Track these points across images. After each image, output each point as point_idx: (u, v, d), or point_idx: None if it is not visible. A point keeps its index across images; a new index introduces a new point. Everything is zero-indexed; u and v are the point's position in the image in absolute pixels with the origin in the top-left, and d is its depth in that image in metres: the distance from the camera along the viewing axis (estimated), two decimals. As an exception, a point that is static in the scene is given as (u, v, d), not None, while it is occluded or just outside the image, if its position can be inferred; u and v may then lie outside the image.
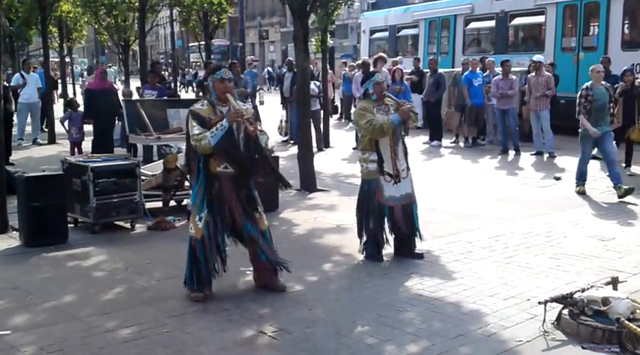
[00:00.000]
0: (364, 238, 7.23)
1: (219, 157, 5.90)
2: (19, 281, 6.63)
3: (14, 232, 8.37)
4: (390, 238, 7.31)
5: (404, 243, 7.29)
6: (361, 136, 7.21)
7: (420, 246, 7.40)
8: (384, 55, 16.11)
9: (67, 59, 32.55)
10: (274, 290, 6.21)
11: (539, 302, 5.33)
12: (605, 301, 5.09)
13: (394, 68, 16.17)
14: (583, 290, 5.34)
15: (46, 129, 18.10)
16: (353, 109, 19.98)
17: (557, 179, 11.86)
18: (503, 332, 5.20)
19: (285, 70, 19.20)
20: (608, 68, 13.67)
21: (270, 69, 49.33)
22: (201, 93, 15.64)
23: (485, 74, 16.33)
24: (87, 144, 13.97)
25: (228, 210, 5.97)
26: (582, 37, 17.49)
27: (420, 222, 7.34)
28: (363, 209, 7.20)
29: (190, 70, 49.42)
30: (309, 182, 10.87)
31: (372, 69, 14.50)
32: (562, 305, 5.28)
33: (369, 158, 7.06)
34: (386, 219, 7.15)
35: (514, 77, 15.15)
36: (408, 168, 7.23)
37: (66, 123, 14.49)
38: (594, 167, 12.86)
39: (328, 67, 18.21)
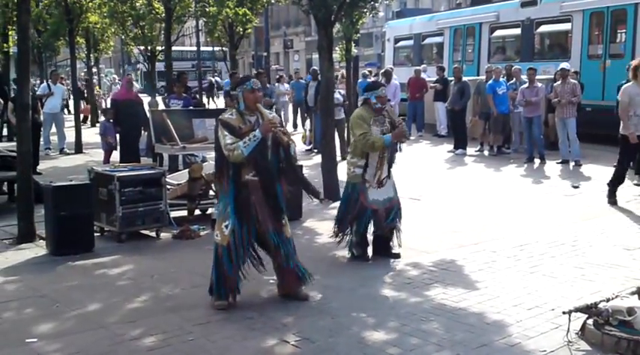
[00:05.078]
0: (347, 238, 7.60)
1: (248, 165, 5.96)
2: (46, 289, 6.72)
3: (41, 241, 8.47)
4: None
5: (383, 243, 7.62)
6: (354, 141, 7.46)
7: (442, 255, 7.39)
8: None
9: (94, 69, 32.86)
10: (297, 298, 6.23)
11: (564, 312, 5.29)
12: (631, 311, 5.05)
13: None
14: (608, 300, 5.30)
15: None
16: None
17: (576, 187, 11.78)
18: (527, 343, 5.18)
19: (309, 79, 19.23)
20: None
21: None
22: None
23: (511, 82, 16.26)
24: (114, 154, 14.16)
25: (255, 217, 6.02)
26: (609, 44, 17.34)
27: (402, 224, 7.66)
28: (345, 210, 7.54)
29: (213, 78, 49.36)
30: (332, 191, 10.87)
31: None
32: (586, 315, 5.23)
33: (357, 163, 7.38)
34: (367, 221, 7.47)
35: (540, 84, 15.06)
36: (388, 177, 7.51)
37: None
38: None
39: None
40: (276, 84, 23.73)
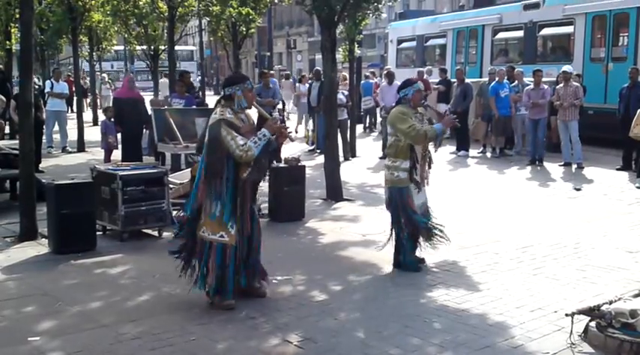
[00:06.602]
0: (401, 248, 7.18)
1: (245, 165, 5.96)
2: (48, 287, 6.71)
3: (43, 239, 8.46)
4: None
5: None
6: (394, 141, 7.07)
7: (445, 256, 7.45)
8: None
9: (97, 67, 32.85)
10: (257, 295, 6.28)
11: (567, 314, 5.28)
12: (633, 314, 5.04)
13: None
14: (610, 303, 5.30)
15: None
16: (379, 119, 19.96)
17: (578, 189, 11.77)
18: (530, 344, 5.17)
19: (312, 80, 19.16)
20: (636, 78, 13.57)
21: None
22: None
23: (513, 84, 16.24)
24: (116, 153, 14.15)
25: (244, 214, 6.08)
26: (612, 47, 17.34)
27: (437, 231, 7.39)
28: (399, 219, 7.11)
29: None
30: (335, 191, 10.88)
31: None
32: (589, 318, 5.23)
33: (401, 166, 7.02)
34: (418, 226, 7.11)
35: (545, 86, 15.03)
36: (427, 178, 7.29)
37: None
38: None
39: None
40: (297, 84, 23.64)
